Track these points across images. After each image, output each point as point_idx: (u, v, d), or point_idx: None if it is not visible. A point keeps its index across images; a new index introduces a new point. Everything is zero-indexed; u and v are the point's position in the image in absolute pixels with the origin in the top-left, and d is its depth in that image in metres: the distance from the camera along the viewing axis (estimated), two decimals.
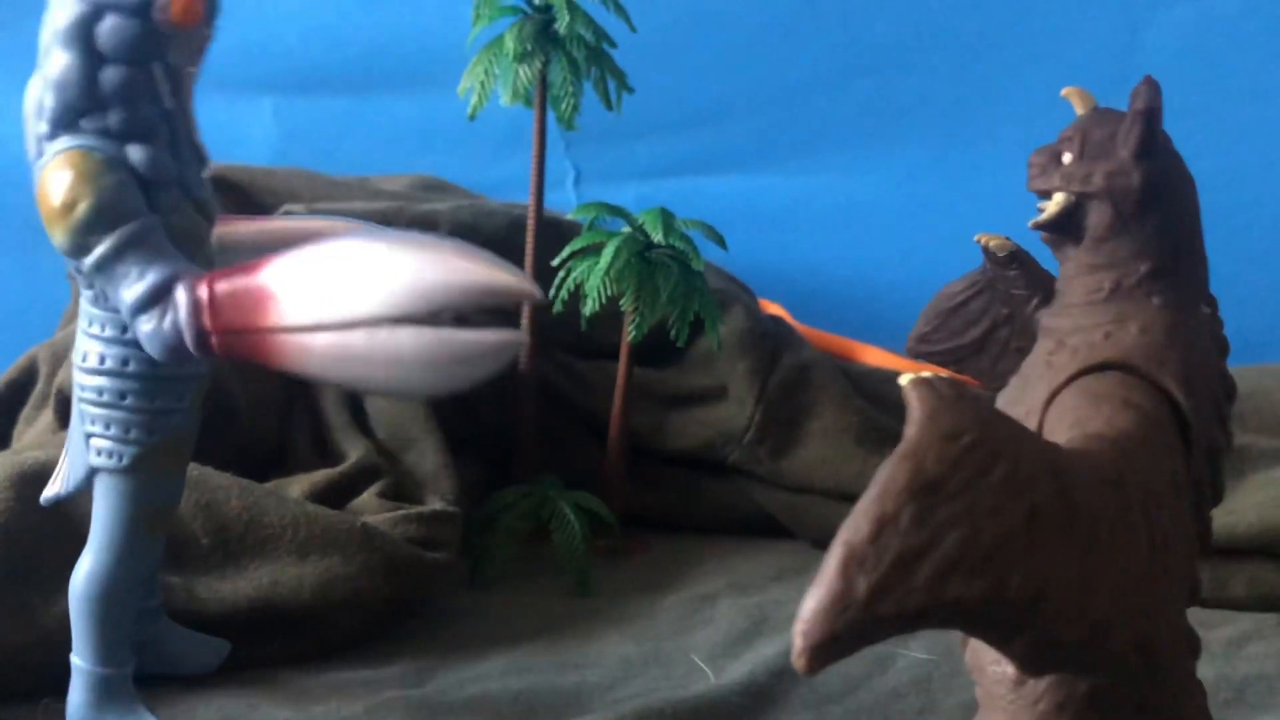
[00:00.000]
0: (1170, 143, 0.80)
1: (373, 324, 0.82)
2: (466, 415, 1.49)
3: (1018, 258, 0.89)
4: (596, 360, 1.55)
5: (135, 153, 0.89)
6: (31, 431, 1.39)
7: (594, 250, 1.38)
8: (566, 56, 1.40)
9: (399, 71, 1.88)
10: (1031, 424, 0.75)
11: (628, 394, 1.45)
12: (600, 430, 1.50)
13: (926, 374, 0.66)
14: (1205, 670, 1.14)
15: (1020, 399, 0.79)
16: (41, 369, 1.44)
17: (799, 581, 1.39)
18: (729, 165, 1.89)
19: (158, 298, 0.87)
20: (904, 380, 0.65)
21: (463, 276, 0.83)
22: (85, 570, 0.97)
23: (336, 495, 1.31)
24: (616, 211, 1.42)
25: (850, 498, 1.45)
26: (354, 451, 1.36)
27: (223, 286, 0.86)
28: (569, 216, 1.55)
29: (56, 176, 0.88)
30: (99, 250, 0.87)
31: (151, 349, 0.88)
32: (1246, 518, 1.30)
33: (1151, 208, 0.77)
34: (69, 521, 1.08)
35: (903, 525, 0.61)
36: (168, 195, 0.89)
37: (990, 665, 0.76)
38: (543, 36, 1.40)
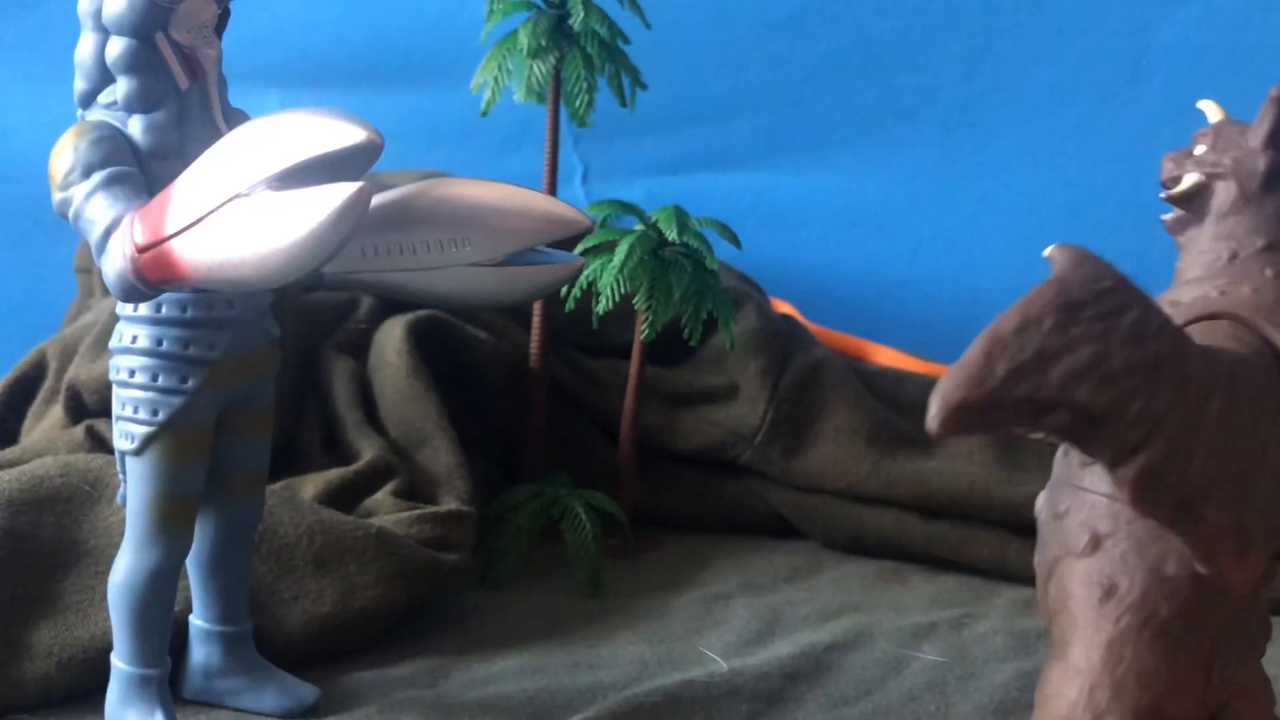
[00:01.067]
0: None
1: (231, 200, 0.82)
2: (477, 414, 1.48)
3: None
4: (608, 359, 1.54)
5: (135, 124, 0.91)
6: (40, 427, 1.38)
7: (606, 248, 1.37)
8: (581, 53, 1.39)
9: (406, 65, 1.88)
10: None
11: (639, 392, 1.45)
12: (612, 429, 1.49)
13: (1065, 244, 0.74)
14: None
15: None
16: (50, 364, 1.44)
17: (811, 581, 1.38)
18: (739, 162, 1.89)
19: (110, 236, 0.87)
20: (1047, 251, 0.72)
21: (306, 133, 0.83)
22: (117, 564, 0.98)
23: (351, 494, 1.30)
24: (630, 209, 1.41)
25: (862, 498, 1.46)
26: (367, 450, 1.35)
27: (144, 207, 0.87)
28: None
29: (56, 146, 0.90)
30: (74, 201, 0.88)
31: (111, 290, 0.89)
32: None
33: (1273, 190, 0.88)
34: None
35: (1046, 327, 0.68)
36: (168, 168, 0.89)
37: (1078, 587, 0.80)
38: (557, 32, 1.39)
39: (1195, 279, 0.88)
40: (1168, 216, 0.92)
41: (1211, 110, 0.96)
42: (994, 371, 0.67)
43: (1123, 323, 0.70)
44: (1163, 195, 0.92)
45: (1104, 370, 0.69)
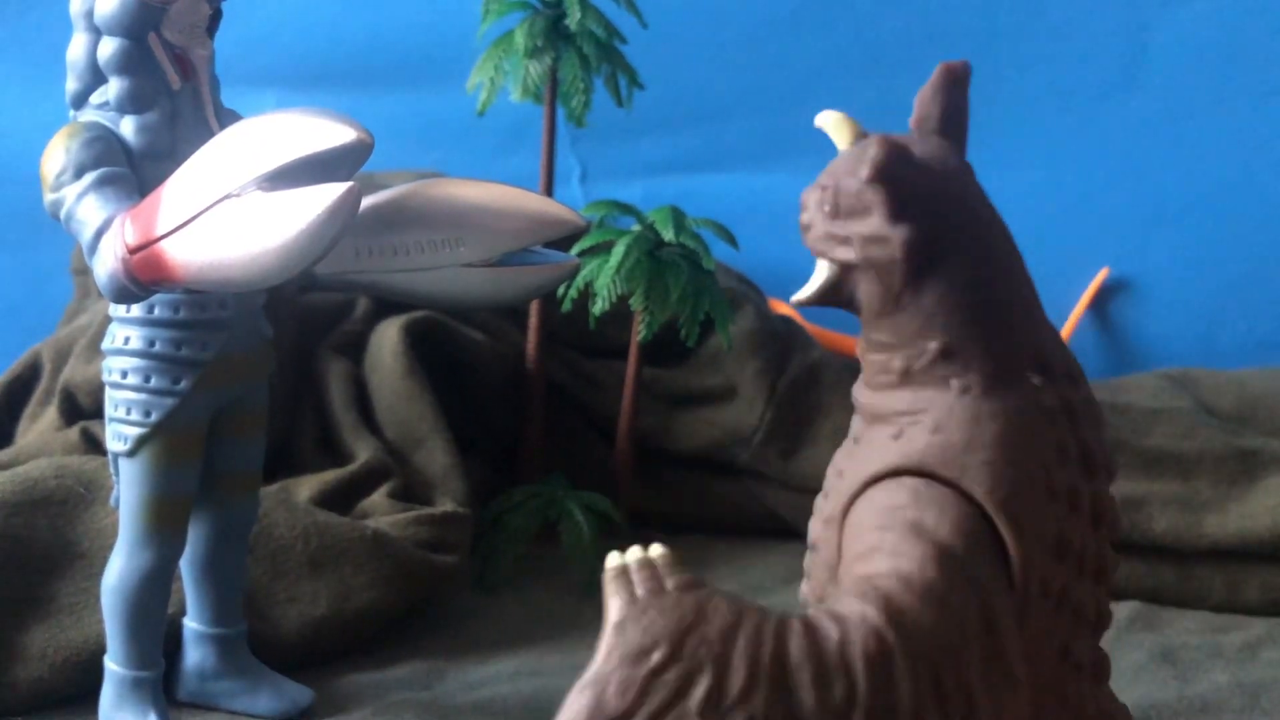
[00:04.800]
0: (945, 186, 0.65)
1: (222, 200, 0.82)
2: (473, 415, 1.48)
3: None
4: (605, 360, 1.54)
5: (127, 124, 0.91)
6: (35, 429, 1.38)
7: (603, 249, 1.37)
8: (577, 53, 1.39)
9: (403, 66, 1.87)
10: (832, 536, 0.67)
11: (637, 394, 1.44)
12: (609, 430, 1.49)
13: (633, 557, 0.57)
14: (1219, 676, 1.15)
15: (829, 496, 0.69)
16: (45, 366, 1.43)
17: None
18: (736, 162, 1.88)
19: (101, 237, 0.87)
20: (607, 567, 0.56)
21: (296, 133, 0.82)
22: (111, 566, 0.98)
23: (346, 496, 1.30)
24: (627, 209, 1.41)
25: None
26: (363, 451, 1.35)
27: (135, 208, 0.86)
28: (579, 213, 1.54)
29: (48, 147, 0.90)
30: (66, 202, 0.88)
31: (103, 292, 0.89)
32: (1261, 522, 1.29)
33: (926, 276, 0.63)
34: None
35: None
36: (160, 168, 0.89)
37: None
38: (553, 32, 1.39)
39: (872, 387, 0.67)
40: (800, 298, 0.67)
41: (834, 129, 0.68)
42: None
43: (689, 708, 0.53)
44: (792, 301, 0.68)
45: None
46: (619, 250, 1.34)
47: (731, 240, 1.41)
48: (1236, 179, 1.80)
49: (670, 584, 0.56)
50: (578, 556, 1.33)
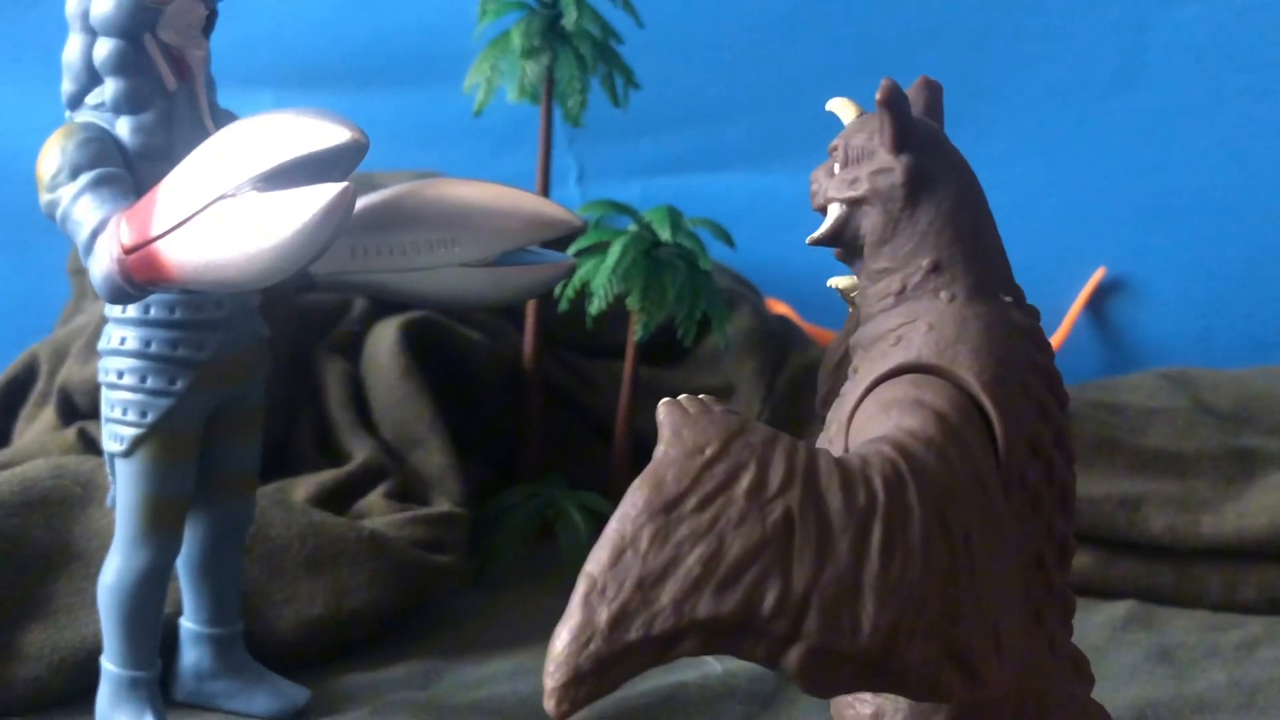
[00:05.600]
0: (936, 133, 0.78)
1: (217, 200, 0.82)
2: (470, 415, 1.48)
3: None
4: (602, 359, 1.54)
5: (123, 125, 0.91)
6: (32, 430, 1.38)
7: (600, 248, 1.37)
8: (574, 52, 1.39)
9: (399, 66, 1.87)
10: (839, 442, 0.73)
11: (634, 393, 1.44)
12: (606, 430, 1.49)
13: (683, 396, 0.65)
14: (1216, 675, 1.15)
15: (833, 419, 0.76)
16: (42, 366, 1.43)
17: None
18: (734, 162, 1.88)
19: (97, 237, 0.87)
20: (660, 404, 0.64)
21: (291, 134, 0.82)
22: (107, 566, 0.98)
23: (343, 496, 1.30)
24: (623, 209, 1.41)
25: None
26: (360, 452, 1.35)
27: (130, 209, 0.86)
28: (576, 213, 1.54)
29: (44, 148, 0.90)
30: (61, 203, 0.88)
31: (98, 292, 0.89)
32: (1258, 521, 1.29)
33: (921, 201, 0.75)
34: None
35: (642, 547, 0.60)
36: (156, 169, 0.89)
37: (846, 709, 0.73)
38: (550, 32, 1.39)
39: (872, 316, 0.76)
40: (814, 237, 0.78)
41: (842, 110, 0.82)
42: (596, 623, 0.59)
43: (735, 495, 0.61)
44: (808, 240, 0.78)
45: (721, 571, 0.59)
46: (616, 250, 1.34)
47: (728, 240, 1.41)
48: (1234, 179, 1.80)
49: (717, 409, 0.64)
50: (575, 556, 1.33)
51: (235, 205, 0.82)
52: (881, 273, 0.76)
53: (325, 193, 0.80)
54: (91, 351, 1.35)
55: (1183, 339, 1.82)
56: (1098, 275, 1.83)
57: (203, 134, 0.92)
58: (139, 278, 0.86)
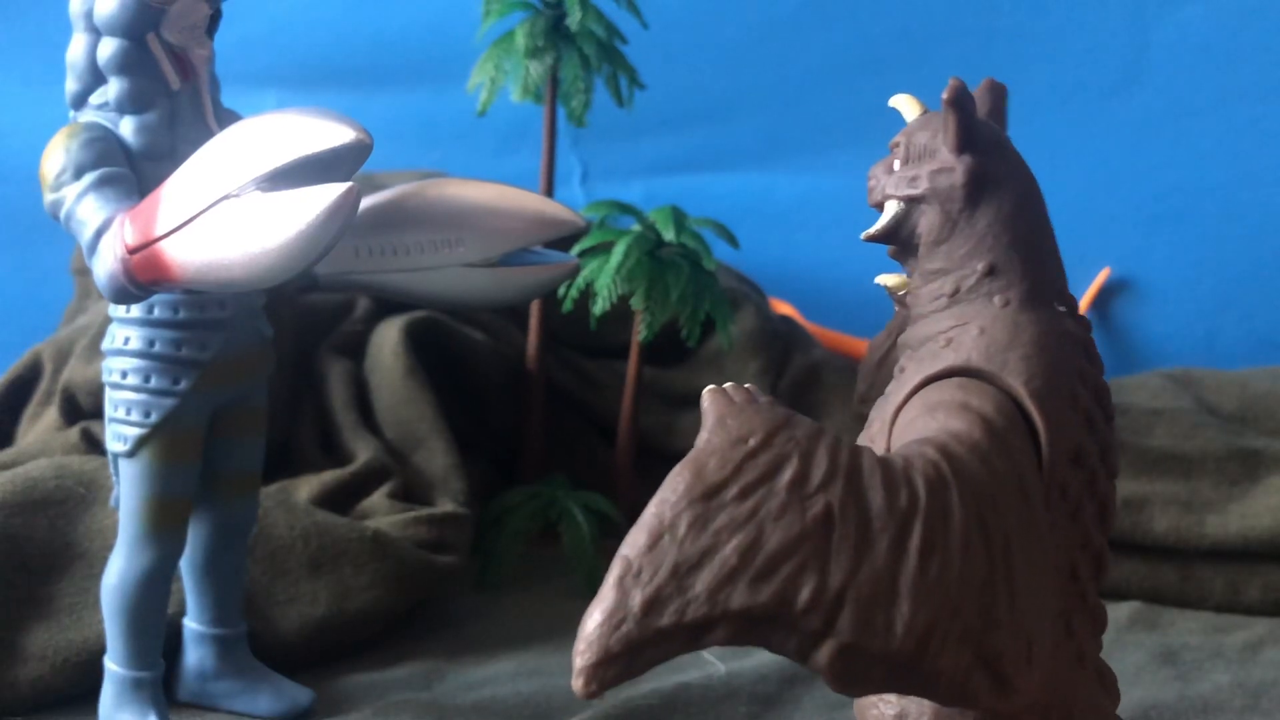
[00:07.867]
0: (999, 135, 0.77)
1: (221, 200, 0.82)
2: (473, 415, 1.48)
3: None
4: (606, 360, 1.54)
5: (127, 124, 0.91)
6: (35, 430, 1.38)
7: (604, 248, 1.37)
8: (578, 53, 1.38)
9: (404, 66, 1.87)
10: (881, 441, 0.73)
11: (637, 394, 1.44)
12: (609, 430, 1.49)
13: (729, 384, 0.64)
14: (1221, 676, 1.14)
15: (876, 417, 0.76)
16: (45, 366, 1.43)
17: None
18: (737, 162, 1.88)
19: (101, 237, 0.87)
20: (705, 391, 0.64)
21: (295, 134, 0.82)
22: (110, 566, 0.98)
23: (346, 496, 1.30)
24: (627, 209, 1.41)
25: None
26: (363, 452, 1.35)
27: (134, 208, 0.86)
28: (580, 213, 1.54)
29: (48, 147, 0.90)
30: (65, 202, 0.88)
31: (102, 292, 0.88)
32: (1262, 522, 1.29)
33: (980, 203, 0.74)
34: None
35: (680, 533, 0.59)
36: (159, 169, 0.89)
37: (869, 709, 0.73)
38: (554, 32, 1.39)
39: (923, 315, 0.75)
40: (870, 233, 0.78)
41: (906, 106, 0.81)
42: (629, 606, 0.58)
43: (777, 487, 0.60)
44: (862, 236, 0.78)
45: (758, 562, 0.59)
46: (619, 250, 1.34)
47: (732, 240, 1.41)
48: (1238, 179, 1.80)
49: (762, 399, 0.63)
50: (578, 557, 1.33)
51: (239, 205, 0.82)
52: (935, 273, 0.75)
53: (329, 193, 0.80)
54: (95, 351, 1.35)
55: (1187, 340, 1.82)
56: (1102, 276, 1.83)
57: (206, 134, 0.92)
58: (143, 278, 0.85)
